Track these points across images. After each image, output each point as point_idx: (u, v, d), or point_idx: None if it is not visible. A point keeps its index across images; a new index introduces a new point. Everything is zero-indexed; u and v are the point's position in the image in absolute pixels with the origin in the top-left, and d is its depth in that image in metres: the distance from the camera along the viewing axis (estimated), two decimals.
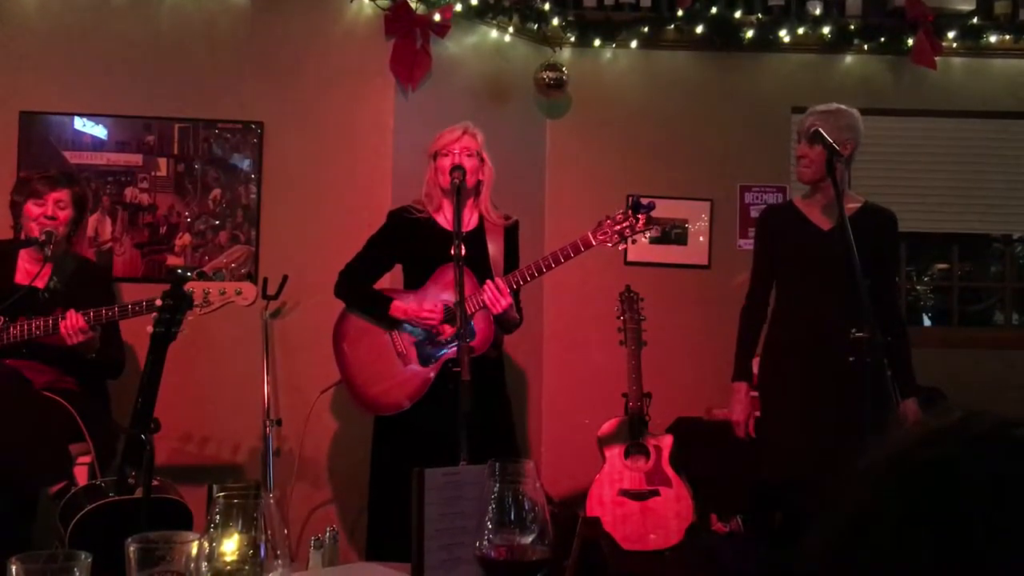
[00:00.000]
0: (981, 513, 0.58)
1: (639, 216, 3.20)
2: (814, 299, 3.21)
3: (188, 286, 2.97)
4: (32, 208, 3.39)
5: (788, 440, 3.16)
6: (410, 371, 3.30)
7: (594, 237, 3.21)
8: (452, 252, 2.96)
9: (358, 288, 3.44)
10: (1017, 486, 0.58)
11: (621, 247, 3.29)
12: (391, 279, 3.66)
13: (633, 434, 3.94)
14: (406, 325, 3.32)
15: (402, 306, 3.30)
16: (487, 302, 3.17)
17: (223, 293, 3.12)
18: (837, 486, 0.66)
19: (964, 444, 0.62)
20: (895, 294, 3.48)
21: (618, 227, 3.20)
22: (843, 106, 3.28)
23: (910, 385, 3.21)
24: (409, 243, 3.42)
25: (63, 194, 3.43)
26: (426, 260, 3.34)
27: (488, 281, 3.19)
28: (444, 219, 3.39)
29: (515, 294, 3.34)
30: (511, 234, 3.47)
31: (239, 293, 3.15)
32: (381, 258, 3.50)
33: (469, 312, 3.13)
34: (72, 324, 3.19)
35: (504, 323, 3.32)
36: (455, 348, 3.16)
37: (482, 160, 3.36)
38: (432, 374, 3.27)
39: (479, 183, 3.37)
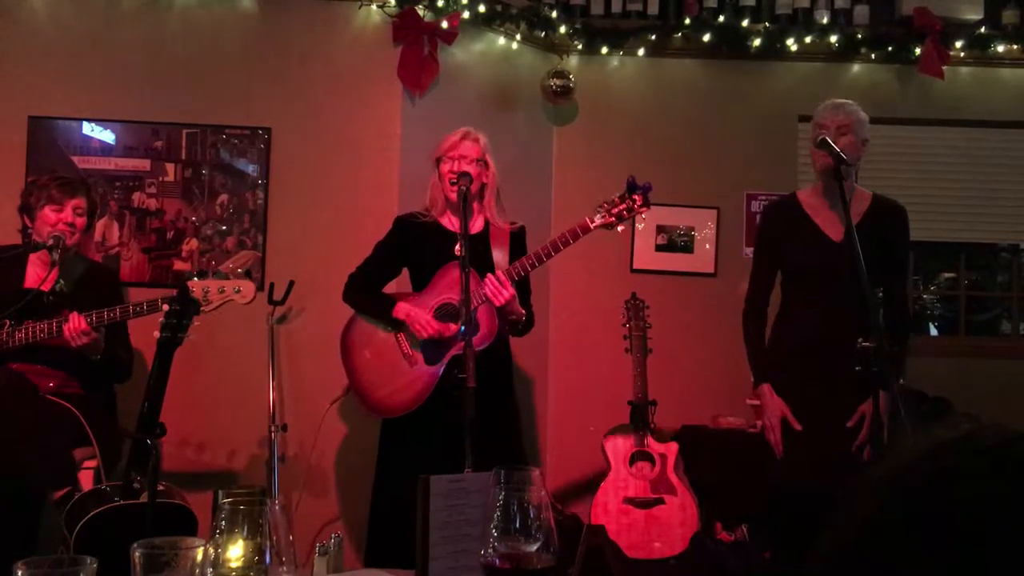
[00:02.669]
0: (986, 528, 0.58)
1: (635, 197, 3.21)
2: (823, 308, 3.15)
3: (188, 284, 2.98)
4: (50, 214, 3.40)
5: (794, 450, 3.13)
6: (416, 371, 3.31)
7: (592, 221, 3.21)
8: (456, 251, 2.96)
9: (365, 292, 3.45)
10: (1022, 502, 0.58)
11: (620, 228, 3.28)
12: (398, 284, 3.66)
13: (638, 442, 3.94)
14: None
15: (405, 307, 3.32)
16: (489, 295, 3.16)
17: (222, 291, 3.12)
18: (844, 498, 0.65)
19: (970, 458, 0.62)
20: (906, 295, 3.44)
21: (616, 209, 3.21)
22: (850, 104, 3.26)
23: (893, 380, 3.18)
24: (415, 247, 3.43)
25: (81, 201, 3.46)
26: (432, 263, 3.35)
27: (488, 274, 3.20)
28: (449, 222, 3.40)
29: (526, 295, 3.36)
30: (517, 240, 3.47)
31: (238, 291, 3.16)
32: (388, 263, 3.51)
33: (472, 307, 3.13)
34: (75, 326, 3.20)
35: (511, 319, 3.30)
36: (460, 345, 3.17)
37: (486, 164, 3.37)
38: (439, 372, 3.28)
39: (483, 187, 3.38)
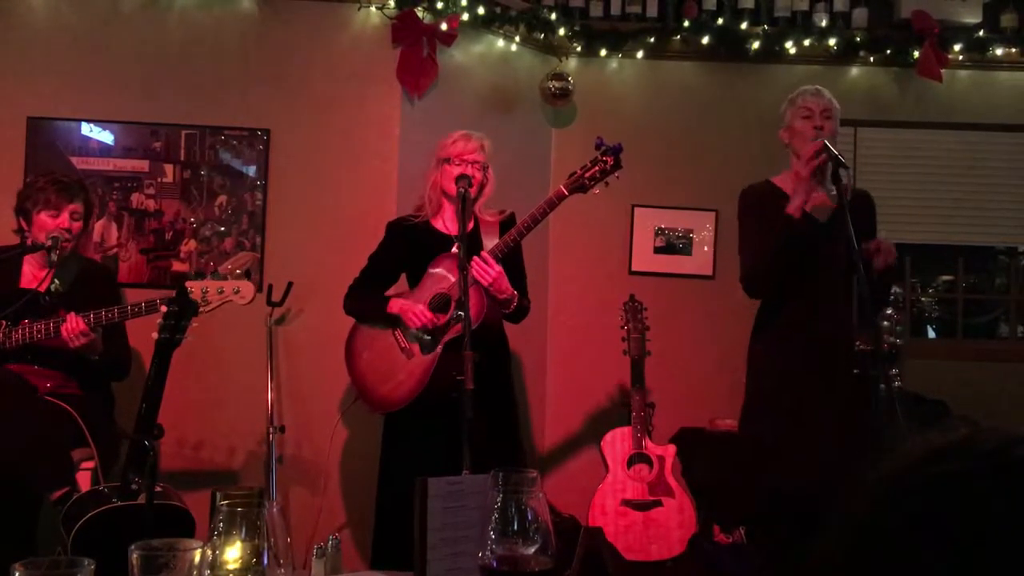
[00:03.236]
0: (985, 532, 0.58)
1: (607, 158, 3.22)
2: (815, 300, 3.10)
3: (187, 285, 2.97)
4: (46, 219, 3.39)
5: (790, 456, 3.07)
6: (414, 363, 3.33)
7: (567, 188, 3.24)
8: (452, 254, 2.97)
9: (362, 299, 3.47)
10: (1021, 505, 0.58)
11: (596, 191, 3.29)
12: (393, 289, 3.66)
13: (636, 444, 3.94)
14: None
15: (398, 302, 3.36)
16: (475, 275, 3.18)
17: (221, 292, 3.12)
18: (842, 501, 0.65)
19: (970, 461, 0.62)
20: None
21: (588, 173, 3.24)
22: (827, 90, 3.24)
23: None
24: (409, 250, 3.46)
25: (78, 206, 3.45)
26: (426, 265, 3.37)
27: (474, 256, 3.21)
28: (442, 224, 3.42)
29: (520, 279, 3.41)
30: (507, 228, 3.47)
31: (237, 292, 3.15)
32: (385, 271, 3.53)
33: (459, 293, 3.14)
34: (72, 327, 3.19)
35: (501, 298, 3.29)
36: (454, 329, 3.19)
37: (486, 169, 3.39)
38: (435, 360, 3.30)
39: (480, 190, 3.40)
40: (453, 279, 3.23)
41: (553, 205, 3.24)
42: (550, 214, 3.28)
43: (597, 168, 3.23)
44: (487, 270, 3.20)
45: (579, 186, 3.24)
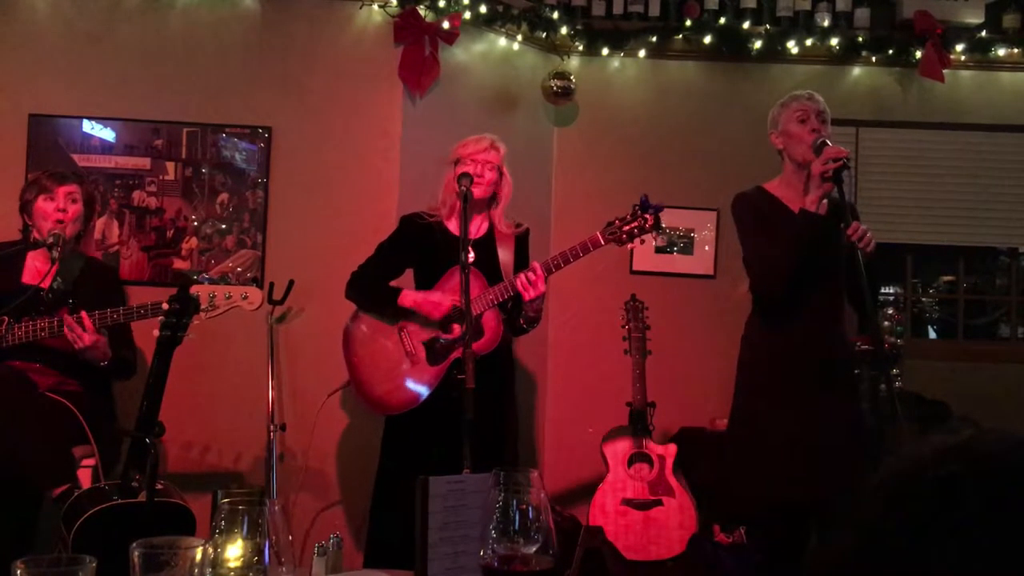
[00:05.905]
0: (988, 532, 0.58)
1: (647, 216, 3.20)
2: (811, 303, 3.04)
3: (194, 289, 2.97)
4: (43, 204, 3.40)
5: (786, 458, 3.00)
6: (418, 370, 3.32)
7: (603, 237, 3.21)
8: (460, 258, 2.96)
9: (368, 287, 3.45)
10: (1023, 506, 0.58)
11: (630, 246, 3.28)
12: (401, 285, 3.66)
13: (637, 443, 3.94)
14: (415, 325, 3.33)
15: (412, 295, 3.32)
16: (519, 287, 3.16)
17: (229, 297, 3.12)
18: (846, 500, 0.66)
19: (973, 462, 0.62)
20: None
21: (627, 227, 3.20)
22: (815, 94, 3.18)
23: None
24: (420, 248, 3.44)
25: (73, 188, 3.46)
26: (436, 265, 3.37)
27: (523, 271, 3.19)
28: (455, 226, 3.40)
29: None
30: (521, 241, 3.48)
31: (245, 298, 3.15)
32: (391, 262, 3.51)
33: (478, 311, 3.14)
34: (79, 329, 3.18)
35: (531, 315, 3.30)
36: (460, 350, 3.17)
37: (501, 174, 3.38)
38: (440, 373, 3.28)
39: (496, 195, 3.39)
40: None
41: (587, 250, 3.21)
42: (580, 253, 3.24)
43: (636, 224, 3.19)
44: (536, 284, 3.16)
45: (616, 238, 3.20)
